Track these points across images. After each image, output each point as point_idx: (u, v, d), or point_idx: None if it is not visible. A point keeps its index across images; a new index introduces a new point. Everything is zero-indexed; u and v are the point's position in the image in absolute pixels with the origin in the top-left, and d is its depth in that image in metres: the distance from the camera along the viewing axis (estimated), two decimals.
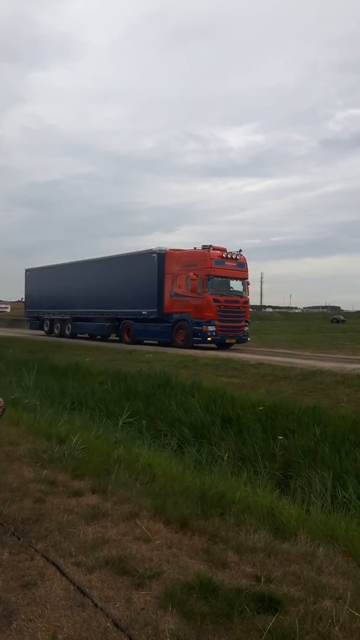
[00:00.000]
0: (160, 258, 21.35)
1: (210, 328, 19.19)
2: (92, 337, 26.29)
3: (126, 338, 23.00)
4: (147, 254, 21.99)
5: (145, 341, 22.28)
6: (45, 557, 3.15)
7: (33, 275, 31.61)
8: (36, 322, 31.09)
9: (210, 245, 20.13)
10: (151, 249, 21.82)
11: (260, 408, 8.80)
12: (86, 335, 26.86)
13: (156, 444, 7.59)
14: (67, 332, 27.32)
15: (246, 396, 9.84)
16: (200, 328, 19.29)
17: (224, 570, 3.11)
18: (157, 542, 3.45)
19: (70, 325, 27.26)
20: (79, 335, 26.93)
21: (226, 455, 6.90)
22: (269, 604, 2.68)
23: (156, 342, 21.89)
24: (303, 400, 9.46)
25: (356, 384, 10.57)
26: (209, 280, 19.48)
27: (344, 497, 5.59)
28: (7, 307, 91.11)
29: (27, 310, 32.42)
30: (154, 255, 21.50)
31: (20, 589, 2.80)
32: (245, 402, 9.32)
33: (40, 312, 30.37)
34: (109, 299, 23.78)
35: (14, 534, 3.45)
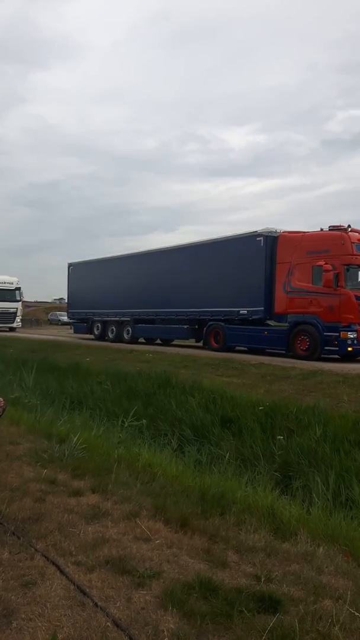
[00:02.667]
0: (270, 242, 16.34)
1: (351, 335, 14.33)
2: (148, 342, 22.57)
3: (213, 344, 18.21)
4: (250, 238, 16.90)
5: (237, 347, 17.76)
6: (46, 557, 3.15)
7: (78, 270, 26.71)
8: (82, 325, 26.21)
9: (348, 226, 15.07)
10: (256, 231, 16.73)
11: (260, 408, 8.80)
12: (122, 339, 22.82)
13: (156, 443, 7.59)
14: (126, 337, 22.65)
15: (246, 396, 9.84)
16: (337, 334, 14.41)
17: (224, 570, 3.11)
18: (157, 541, 3.44)
19: (130, 329, 22.54)
20: (139, 340, 22.65)
21: (227, 455, 6.91)
22: (269, 604, 2.68)
23: (247, 349, 17.37)
24: (303, 400, 9.46)
25: (357, 383, 10.56)
26: (347, 271, 14.52)
27: (347, 496, 5.60)
28: None
29: (70, 311, 27.88)
30: (260, 238, 16.47)
31: (21, 588, 2.80)
32: (246, 402, 9.32)
33: (88, 313, 25.43)
34: (189, 296, 19.09)
35: (14, 534, 3.44)
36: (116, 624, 2.47)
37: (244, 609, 2.60)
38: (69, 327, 42.88)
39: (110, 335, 23.76)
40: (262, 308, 16.43)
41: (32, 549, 3.25)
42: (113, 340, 22.96)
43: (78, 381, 12.84)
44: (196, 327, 19.38)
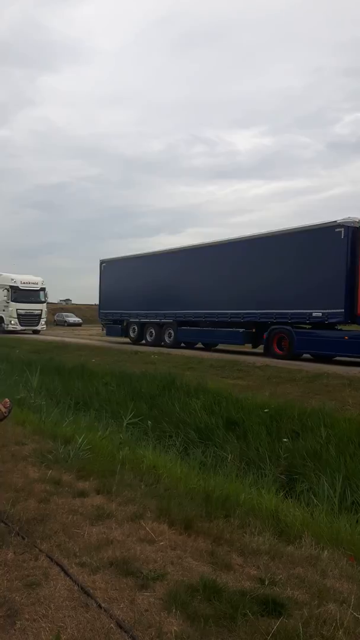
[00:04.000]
0: (352, 234, 14.04)
1: None
2: (188, 345, 20.39)
3: (277, 351, 15.87)
4: (327, 229, 14.63)
5: (304, 354, 15.67)
6: (50, 557, 3.16)
7: (112, 268, 24.50)
8: (117, 327, 23.91)
9: None
10: (335, 221, 14.47)
11: (266, 410, 8.78)
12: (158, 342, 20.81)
13: (161, 445, 7.59)
14: (168, 340, 20.47)
15: (251, 398, 9.82)
16: None
17: (228, 573, 3.10)
18: (162, 543, 3.44)
19: (172, 332, 20.35)
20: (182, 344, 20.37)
21: (230, 457, 6.90)
22: (273, 607, 2.67)
23: (312, 356, 15.53)
24: (309, 403, 9.43)
25: None
26: None
27: (353, 500, 5.57)
28: None
29: (102, 311, 25.24)
30: (340, 230, 14.23)
31: (25, 588, 2.80)
32: (251, 405, 9.30)
33: (123, 314, 23.24)
34: (247, 296, 16.89)
35: (18, 534, 3.45)
36: (120, 625, 2.47)
37: (247, 612, 2.59)
38: (73, 328, 43.14)
39: (149, 339, 21.69)
40: (342, 310, 14.09)
41: (37, 549, 3.26)
42: (152, 344, 20.91)
43: (83, 382, 12.86)
44: (253, 330, 17.10)
